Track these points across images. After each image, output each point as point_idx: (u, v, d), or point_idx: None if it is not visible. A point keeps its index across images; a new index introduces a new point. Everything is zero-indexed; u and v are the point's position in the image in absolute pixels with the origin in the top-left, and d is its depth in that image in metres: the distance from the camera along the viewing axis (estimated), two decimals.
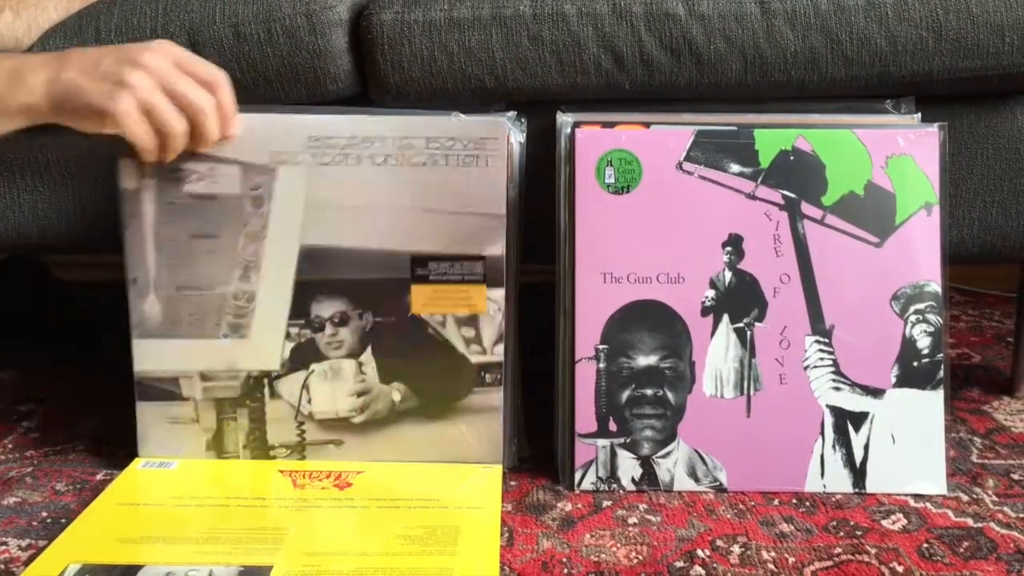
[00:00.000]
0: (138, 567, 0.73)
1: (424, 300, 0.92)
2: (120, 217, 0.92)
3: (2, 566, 0.77)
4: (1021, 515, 0.84)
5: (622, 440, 0.90)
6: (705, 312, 0.90)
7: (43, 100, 0.80)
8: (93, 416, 1.09)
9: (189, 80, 0.82)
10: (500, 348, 0.92)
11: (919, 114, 0.94)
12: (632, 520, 0.85)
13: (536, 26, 0.92)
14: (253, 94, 0.96)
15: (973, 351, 1.30)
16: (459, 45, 0.92)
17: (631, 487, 0.90)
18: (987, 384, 1.17)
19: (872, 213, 0.89)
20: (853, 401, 0.89)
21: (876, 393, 0.89)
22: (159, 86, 0.80)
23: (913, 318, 0.89)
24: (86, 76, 0.79)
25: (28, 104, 0.80)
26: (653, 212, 0.89)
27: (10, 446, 1.02)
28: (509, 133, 0.91)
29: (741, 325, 0.90)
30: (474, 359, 0.92)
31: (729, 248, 0.90)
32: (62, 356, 1.31)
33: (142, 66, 0.80)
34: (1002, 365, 1.23)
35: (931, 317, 0.89)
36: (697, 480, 0.90)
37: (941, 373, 0.89)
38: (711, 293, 0.90)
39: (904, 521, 0.84)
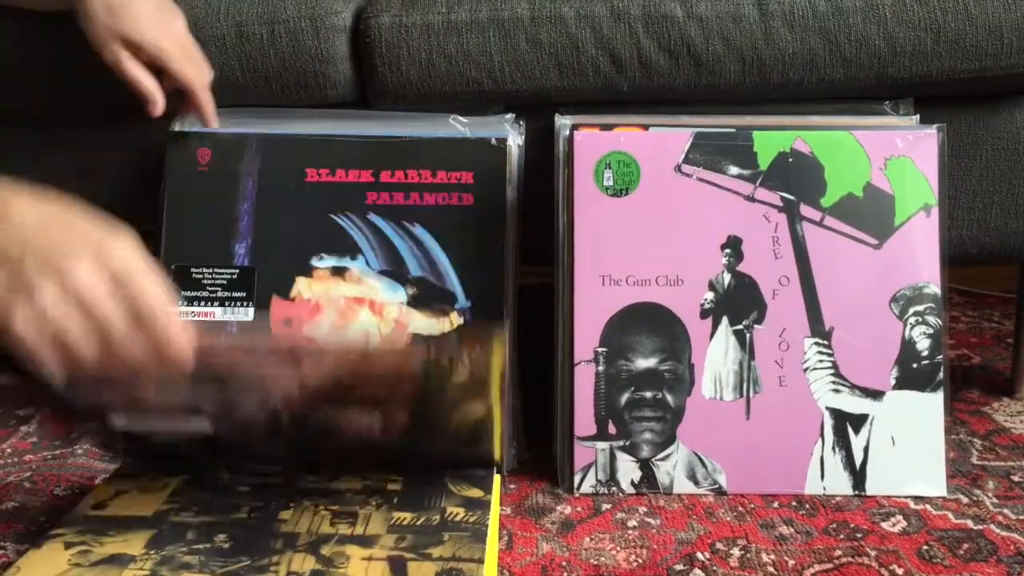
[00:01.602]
0: None
1: None
2: None
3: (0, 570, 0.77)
4: (1021, 517, 0.84)
5: (621, 443, 0.90)
6: (704, 314, 0.90)
7: None
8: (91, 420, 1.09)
9: (113, 300, 0.62)
10: None
11: (918, 115, 0.94)
12: (632, 523, 0.85)
13: (534, 29, 0.92)
14: (252, 94, 0.96)
15: (973, 352, 1.30)
16: (457, 48, 0.92)
17: (630, 490, 0.90)
18: (987, 385, 1.16)
19: (871, 215, 0.89)
20: (853, 403, 0.89)
21: (876, 395, 0.89)
22: (75, 302, 0.61)
23: (912, 320, 0.89)
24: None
25: None
26: (652, 214, 0.89)
27: (8, 451, 1.02)
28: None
29: (740, 327, 0.90)
30: None
31: (728, 250, 0.90)
32: None
33: (63, 279, 0.61)
34: (1002, 366, 1.23)
35: (930, 319, 0.89)
36: (697, 483, 0.90)
37: (941, 375, 0.89)
38: (710, 295, 0.90)
39: (904, 523, 0.84)
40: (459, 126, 0.96)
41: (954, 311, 1.49)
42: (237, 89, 0.95)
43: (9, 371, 0.67)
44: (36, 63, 0.96)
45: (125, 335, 0.62)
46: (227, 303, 0.94)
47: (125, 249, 0.63)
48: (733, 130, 0.90)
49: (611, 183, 0.89)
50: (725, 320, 0.90)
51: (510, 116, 0.97)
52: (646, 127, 0.91)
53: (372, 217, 0.94)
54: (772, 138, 0.90)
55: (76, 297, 0.61)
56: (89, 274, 0.61)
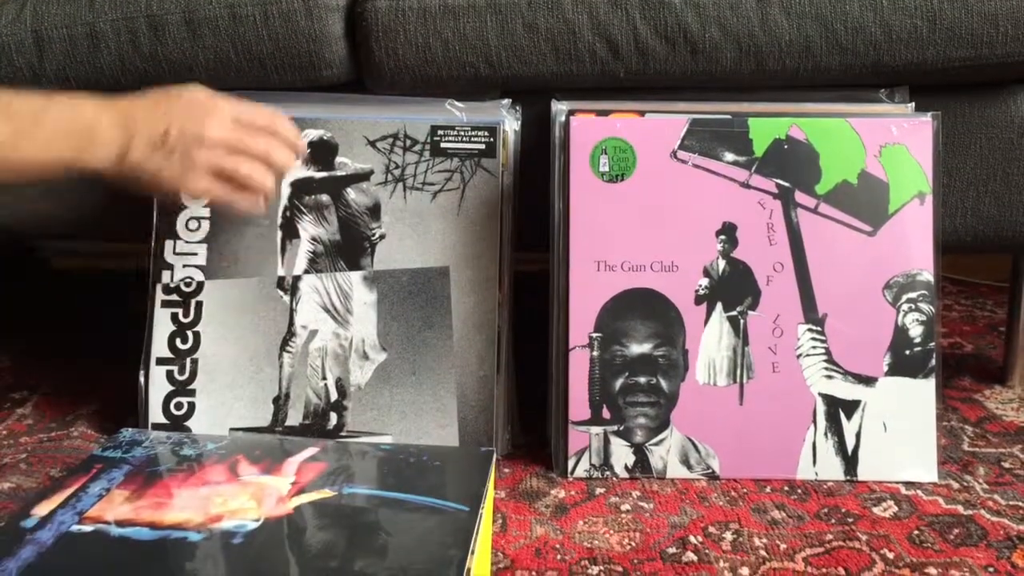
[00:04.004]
0: None
1: None
2: None
3: None
4: (1011, 503, 0.85)
5: (615, 428, 0.90)
6: (699, 300, 0.90)
7: (112, 171, 0.82)
8: (87, 403, 1.09)
9: (250, 135, 0.86)
10: None
11: (913, 103, 0.94)
12: (625, 507, 0.85)
13: (531, 14, 0.92)
14: (247, 76, 0.96)
15: (965, 340, 1.31)
16: (454, 32, 0.92)
17: (624, 474, 0.90)
18: (979, 373, 1.17)
19: (865, 202, 0.89)
20: (845, 389, 0.90)
21: (868, 381, 0.90)
22: (225, 151, 0.84)
23: (905, 307, 0.90)
24: (155, 155, 0.82)
25: (98, 171, 0.82)
26: (647, 200, 0.90)
27: (4, 433, 1.02)
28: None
29: (734, 313, 0.90)
30: None
31: (723, 237, 0.90)
32: (55, 344, 1.31)
33: (207, 142, 0.83)
34: (994, 354, 1.24)
35: (923, 306, 0.90)
36: (690, 467, 0.90)
37: (933, 361, 0.90)
38: (705, 281, 0.90)
39: (895, 508, 0.85)
40: (455, 111, 0.96)
41: (947, 300, 1.49)
42: (232, 72, 0.95)
43: None
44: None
45: (271, 149, 0.86)
46: None
47: (204, 94, 0.85)
48: (729, 117, 0.90)
49: (607, 169, 0.90)
50: (719, 306, 0.90)
51: (507, 101, 0.97)
52: (642, 113, 0.91)
53: None
54: (767, 125, 0.90)
55: (225, 148, 0.83)
56: (220, 131, 0.83)
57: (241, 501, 0.70)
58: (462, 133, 0.96)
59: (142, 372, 0.96)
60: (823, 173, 0.90)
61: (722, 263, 0.90)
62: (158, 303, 0.97)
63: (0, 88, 0.84)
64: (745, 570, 0.75)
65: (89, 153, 0.81)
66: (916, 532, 0.80)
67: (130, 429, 0.83)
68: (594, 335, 0.90)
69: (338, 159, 0.96)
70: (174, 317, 0.96)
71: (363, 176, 0.96)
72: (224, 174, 0.85)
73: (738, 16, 0.91)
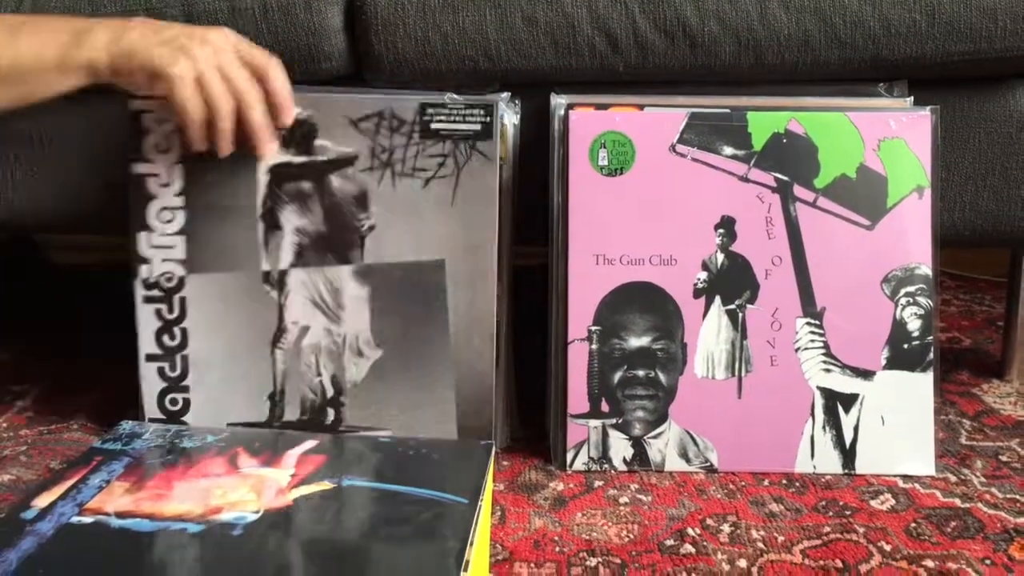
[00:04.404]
0: None
1: None
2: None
3: None
4: (1008, 496, 0.85)
5: (614, 421, 0.91)
6: (697, 294, 0.90)
7: (105, 57, 0.83)
8: (87, 396, 1.09)
9: (244, 69, 0.85)
10: None
11: (911, 97, 0.94)
12: (623, 499, 0.85)
13: (530, 7, 0.92)
14: None
15: (964, 335, 1.31)
16: (453, 26, 0.92)
17: (622, 467, 0.91)
18: (977, 367, 1.17)
19: (864, 196, 0.90)
20: (843, 383, 0.90)
21: (866, 375, 0.90)
22: (216, 65, 0.84)
23: (904, 300, 0.90)
24: (148, 39, 0.83)
25: (90, 60, 0.83)
26: (646, 194, 0.90)
27: (4, 425, 1.02)
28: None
29: (733, 307, 0.90)
30: None
31: (722, 230, 0.90)
32: (55, 337, 1.31)
33: (207, 41, 0.84)
34: (992, 349, 1.24)
35: (921, 300, 0.90)
36: (688, 460, 0.90)
37: (931, 355, 0.90)
38: (703, 275, 0.90)
39: (892, 501, 0.85)
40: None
41: (946, 295, 1.50)
42: None
43: None
44: None
45: (254, 94, 0.85)
46: None
47: (229, 30, 0.87)
48: (728, 111, 0.91)
49: (606, 163, 0.90)
50: (718, 300, 0.90)
51: (506, 95, 0.97)
52: (641, 107, 0.91)
53: None
54: (766, 119, 0.90)
55: (217, 60, 0.83)
56: (224, 43, 0.84)
57: (241, 493, 0.71)
58: (455, 112, 0.91)
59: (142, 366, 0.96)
60: (822, 167, 0.90)
61: (721, 257, 0.90)
62: (139, 299, 0.94)
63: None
64: (743, 562, 0.75)
65: (83, 42, 0.82)
66: (913, 525, 0.81)
67: (130, 422, 0.83)
68: (593, 328, 0.90)
69: (318, 142, 0.92)
70: (158, 313, 0.94)
71: (347, 161, 0.92)
72: (199, 80, 0.83)
73: (737, 10, 0.91)
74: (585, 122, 0.90)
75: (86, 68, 0.83)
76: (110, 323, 1.03)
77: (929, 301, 0.90)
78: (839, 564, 0.75)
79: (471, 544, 0.64)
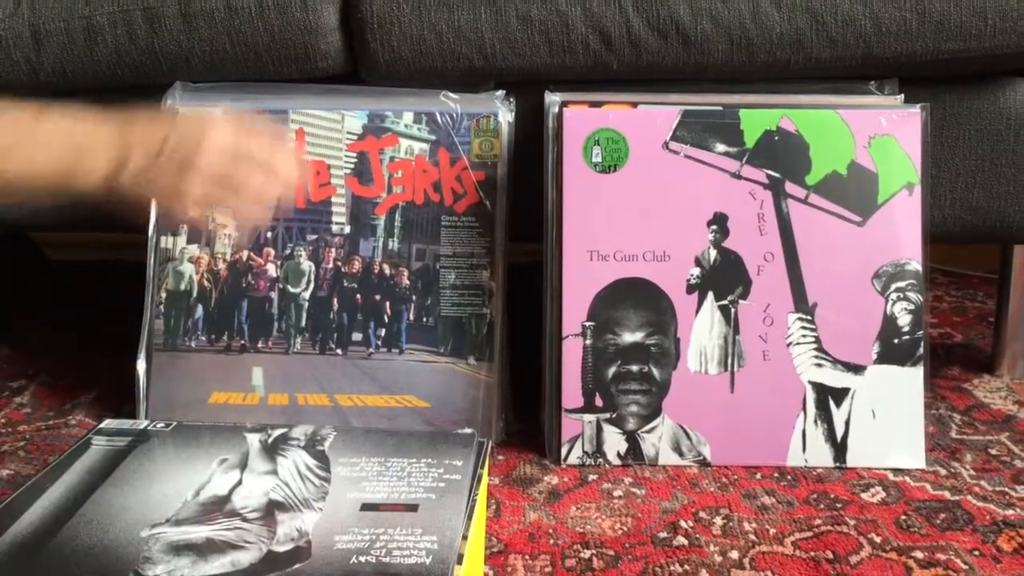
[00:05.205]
0: None
1: None
2: None
3: None
4: (997, 488, 0.86)
5: (608, 415, 0.91)
6: (690, 290, 0.91)
7: (107, 185, 0.79)
8: (84, 392, 1.10)
9: (245, 166, 0.83)
10: None
11: (902, 95, 0.95)
12: (617, 493, 0.86)
13: (525, 6, 0.92)
14: (243, 68, 0.97)
15: (955, 331, 1.32)
16: (448, 25, 0.93)
17: (616, 461, 0.92)
18: (968, 363, 1.18)
19: (855, 192, 0.91)
20: (835, 377, 0.91)
21: (857, 369, 0.91)
22: (221, 169, 0.81)
23: (894, 296, 0.91)
24: (152, 165, 0.80)
25: (90, 185, 0.80)
26: (639, 191, 0.91)
27: (2, 421, 1.03)
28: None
29: (725, 302, 0.91)
30: None
31: (714, 227, 0.91)
32: (51, 334, 1.32)
33: (205, 152, 0.81)
34: (983, 344, 1.25)
35: (912, 295, 0.91)
36: (681, 454, 0.91)
37: (921, 350, 0.91)
38: (696, 271, 0.91)
39: (883, 494, 0.86)
40: (450, 103, 0.97)
41: (939, 291, 1.51)
42: (228, 64, 0.96)
43: None
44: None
45: (260, 189, 0.84)
46: None
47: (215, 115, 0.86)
48: (720, 108, 0.91)
49: (600, 160, 0.91)
50: (711, 295, 0.91)
51: (500, 93, 0.98)
52: (635, 105, 0.92)
53: None
54: (758, 116, 0.91)
55: (220, 165, 0.81)
56: (221, 139, 0.81)
57: None
58: None
59: (139, 362, 0.97)
60: (813, 164, 0.91)
61: (713, 253, 0.91)
62: None
63: None
64: (735, 554, 0.76)
65: (84, 164, 0.79)
66: (903, 517, 0.82)
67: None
68: (587, 324, 0.91)
69: None
70: None
71: None
72: (221, 186, 0.82)
73: (729, 9, 0.92)
74: (579, 120, 0.91)
75: (84, 190, 0.80)
76: (106, 317, 1.03)
77: (919, 296, 0.91)
78: (830, 555, 0.76)
79: (465, 538, 0.65)
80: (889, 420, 0.91)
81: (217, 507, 0.69)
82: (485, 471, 0.75)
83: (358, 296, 0.98)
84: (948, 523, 0.81)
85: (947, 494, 0.86)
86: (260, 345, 0.98)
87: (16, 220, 1.09)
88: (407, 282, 0.97)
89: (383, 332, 0.97)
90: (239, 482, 0.73)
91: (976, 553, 0.76)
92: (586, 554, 0.76)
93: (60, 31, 0.96)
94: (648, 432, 0.91)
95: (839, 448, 0.91)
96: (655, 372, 0.91)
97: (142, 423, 0.83)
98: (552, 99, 0.93)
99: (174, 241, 0.98)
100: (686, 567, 0.74)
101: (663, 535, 0.79)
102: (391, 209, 0.98)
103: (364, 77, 0.98)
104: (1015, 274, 1.12)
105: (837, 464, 0.91)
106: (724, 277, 0.91)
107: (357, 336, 0.97)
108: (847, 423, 0.91)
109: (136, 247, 1.03)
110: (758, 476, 0.89)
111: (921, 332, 0.91)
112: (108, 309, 1.01)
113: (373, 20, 0.93)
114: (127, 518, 0.68)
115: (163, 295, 0.98)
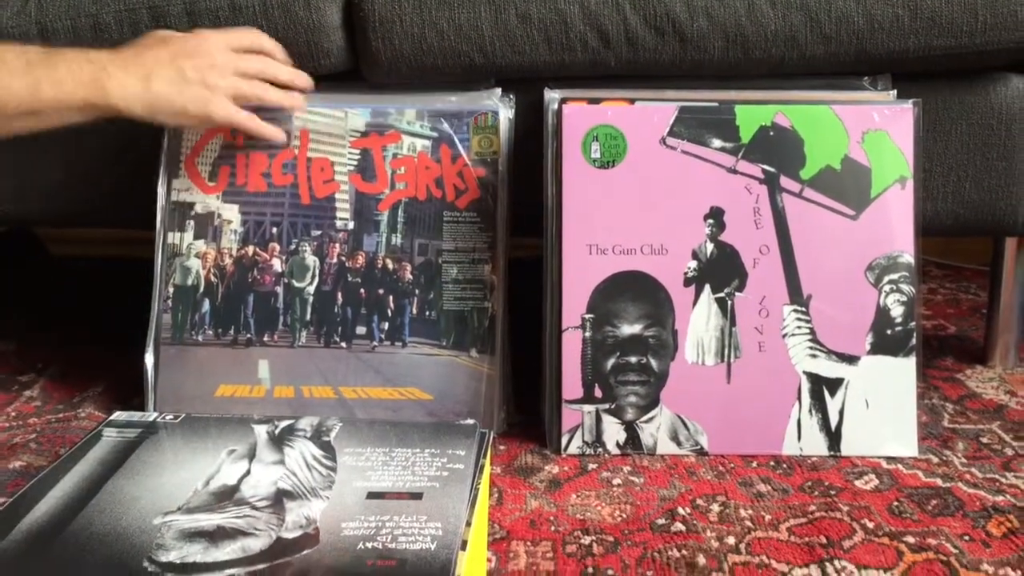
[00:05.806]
0: None
1: None
2: None
3: None
4: (988, 475, 0.88)
5: (607, 406, 0.93)
6: (688, 282, 0.93)
7: (138, 107, 0.88)
8: (93, 385, 1.12)
9: (248, 56, 0.93)
10: None
11: (895, 91, 0.97)
12: (616, 481, 0.88)
13: (524, 4, 0.94)
14: None
15: (949, 322, 1.34)
16: (449, 22, 0.95)
17: (616, 451, 0.93)
18: (961, 354, 1.20)
19: (848, 186, 0.92)
20: (829, 368, 0.93)
21: (851, 360, 0.93)
22: (234, 73, 0.91)
23: (887, 288, 0.93)
24: (173, 86, 0.88)
25: (121, 108, 0.87)
26: (637, 186, 0.92)
27: (13, 414, 1.05)
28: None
29: (722, 295, 0.93)
30: None
31: (711, 220, 0.93)
32: (58, 328, 1.34)
33: (214, 66, 0.90)
34: (976, 335, 1.27)
35: (904, 287, 0.93)
36: (679, 444, 0.93)
37: (913, 340, 0.93)
38: (693, 264, 0.93)
39: (876, 481, 0.88)
40: (450, 100, 0.99)
41: (932, 283, 1.53)
42: None
43: None
44: None
45: (267, 65, 0.94)
46: None
47: (212, 33, 0.92)
48: (716, 104, 0.93)
49: (598, 155, 0.92)
50: (707, 288, 0.93)
51: (500, 90, 0.99)
52: (632, 101, 0.94)
53: None
54: (754, 112, 0.92)
55: (232, 70, 0.91)
56: (225, 56, 0.91)
57: None
58: None
59: (147, 355, 0.99)
60: (807, 159, 0.92)
61: (710, 246, 0.93)
62: None
63: (6, 43, 0.88)
64: (731, 539, 0.78)
65: (106, 94, 0.86)
66: (896, 503, 0.84)
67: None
68: (586, 316, 0.93)
69: None
70: None
71: None
72: (243, 98, 0.92)
73: (725, 6, 0.93)
74: (578, 116, 0.92)
75: (113, 111, 0.87)
76: (112, 313, 1.05)
77: (912, 288, 0.93)
78: (823, 540, 0.78)
79: (469, 524, 0.67)
80: (882, 409, 0.93)
81: (227, 496, 0.71)
82: (487, 460, 0.77)
83: (362, 290, 0.99)
84: (939, 509, 0.83)
85: (939, 481, 0.87)
86: (266, 339, 1.00)
87: (21, 215, 1.11)
88: (410, 276, 0.99)
89: (386, 326, 0.99)
90: (248, 472, 0.75)
91: (966, 538, 0.78)
92: (586, 540, 0.78)
93: (67, 29, 0.98)
94: (646, 422, 0.93)
95: (833, 437, 0.93)
96: (653, 363, 0.93)
97: (151, 415, 0.85)
98: (551, 96, 0.95)
99: (181, 237, 1.00)
100: (684, 552, 0.76)
101: (661, 521, 0.81)
102: (394, 205, 0.99)
103: (366, 75, 1.00)
104: (1007, 266, 1.13)
105: (831, 453, 0.93)
106: (721, 270, 0.93)
107: (361, 330, 0.99)
108: (841, 412, 0.93)
109: (141, 243, 1.05)
110: (754, 464, 0.91)
111: (913, 323, 0.93)
112: (114, 305, 1.03)
113: (375, 18, 0.95)
114: (139, 507, 0.70)
115: (171, 290, 1.00)
